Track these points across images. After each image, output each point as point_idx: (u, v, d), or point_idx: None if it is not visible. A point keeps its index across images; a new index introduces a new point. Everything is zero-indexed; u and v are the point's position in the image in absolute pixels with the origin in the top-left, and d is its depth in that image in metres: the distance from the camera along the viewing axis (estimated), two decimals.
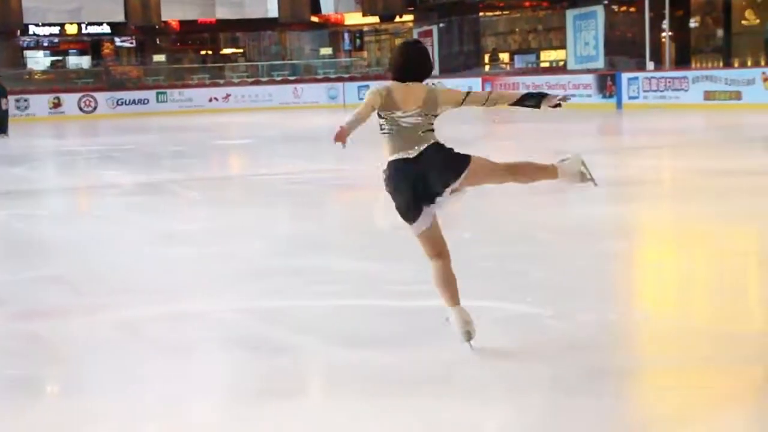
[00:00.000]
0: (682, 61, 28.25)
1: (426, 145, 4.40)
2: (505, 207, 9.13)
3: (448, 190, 4.41)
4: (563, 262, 6.62)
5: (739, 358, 4.39)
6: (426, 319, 4.87)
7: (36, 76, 37.71)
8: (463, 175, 4.41)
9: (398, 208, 4.44)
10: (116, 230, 9.00)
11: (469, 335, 4.45)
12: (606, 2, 29.76)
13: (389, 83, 4.56)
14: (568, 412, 3.75)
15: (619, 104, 25.51)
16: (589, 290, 5.78)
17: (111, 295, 6.13)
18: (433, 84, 4.70)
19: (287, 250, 7.52)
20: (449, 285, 4.51)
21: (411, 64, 4.55)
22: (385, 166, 4.44)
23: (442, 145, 4.46)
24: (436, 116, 4.51)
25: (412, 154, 4.39)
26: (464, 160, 4.44)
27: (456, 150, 4.47)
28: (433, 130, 4.48)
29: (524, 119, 22.89)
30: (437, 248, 4.52)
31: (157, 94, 34.02)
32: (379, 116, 4.46)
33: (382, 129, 4.48)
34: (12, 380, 4.50)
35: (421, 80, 4.55)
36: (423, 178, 4.38)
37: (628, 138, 18.81)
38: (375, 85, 4.64)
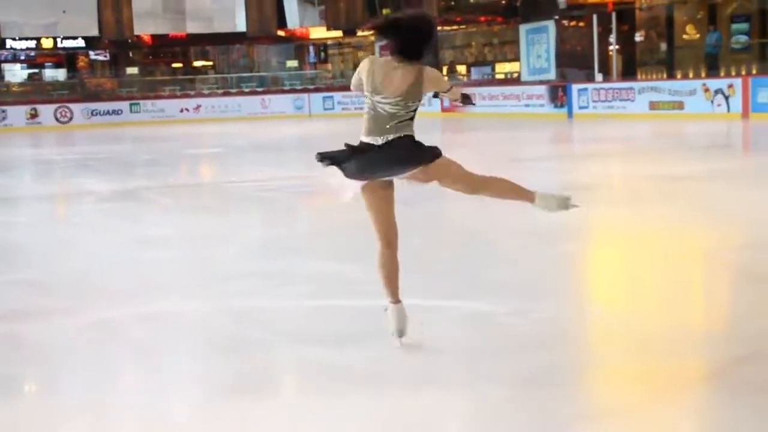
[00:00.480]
0: (629, 73, 28.48)
1: (394, 136, 4.28)
2: (462, 210, 9.15)
3: (400, 177, 4.37)
4: (518, 263, 6.65)
5: (684, 350, 4.44)
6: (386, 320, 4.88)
7: (13, 88, 37.32)
8: (420, 168, 4.30)
9: (337, 159, 4.30)
10: (92, 235, 8.92)
11: (402, 333, 4.44)
12: (557, 18, 29.96)
13: (381, 60, 4.36)
14: (524, 404, 3.76)
15: (570, 114, 25.68)
16: (544, 289, 5.81)
17: (87, 297, 6.07)
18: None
19: (258, 254, 7.50)
20: (392, 277, 4.44)
21: (425, 42, 4.33)
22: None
23: (412, 139, 4.33)
24: (419, 103, 4.35)
25: (379, 141, 4.28)
26: (430, 153, 4.33)
27: (426, 145, 4.36)
28: (411, 120, 4.34)
29: (480, 128, 23.00)
30: (385, 228, 4.41)
31: (131, 105, 33.78)
32: (365, 93, 4.35)
33: (364, 105, 4.37)
34: None
35: (420, 58, 4.34)
36: (381, 166, 4.29)
37: (578, 145, 18.94)
38: (365, 61, 4.41)
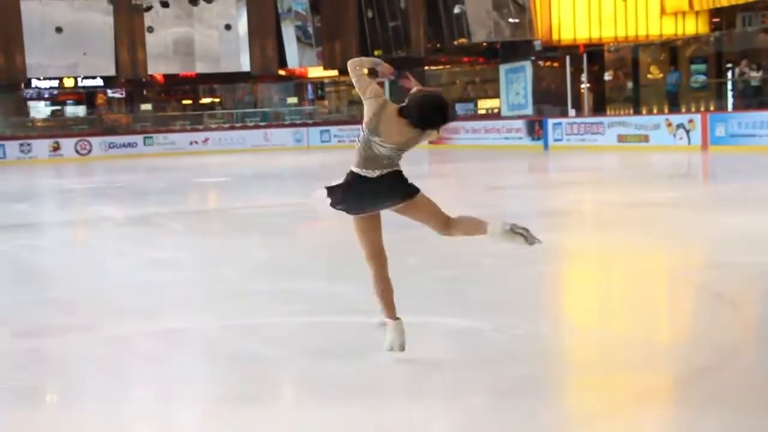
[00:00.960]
0: (599, 109, 28.60)
1: (387, 171, 4.30)
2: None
3: (389, 208, 4.38)
4: (500, 283, 6.64)
5: (652, 362, 4.44)
6: (380, 333, 4.85)
7: (38, 124, 37.27)
8: (404, 204, 4.33)
9: (337, 201, 4.32)
10: (109, 258, 8.88)
11: (402, 347, 4.41)
12: (533, 59, 30.12)
13: (389, 109, 4.30)
14: (505, 413, 3.75)
15: (545, 146, 25.76)
16: (523, 307, 5.80)
17: (104, 315, 6.04)
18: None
19: (261, 274, 7.48)
20: (388, 295, 4.41)
21: (426, 116, 4.27)
22: (349, 171, 4.32)
23: (401, 174, 4.35)
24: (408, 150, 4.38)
25: (372, 175, 4.29)
26: (414, 191, 4.35)
27: (410, 181, 4.38)
28: (400, 158, 4.37)
29: (463, 158, 23.05)
30: (376, 251, 4.39)
31: (145, 138, 33.74)
32: (362, 127, 4.31)
33: (358, 137, 4.33)
34: (14, 391, 4.42)
35: (424, 126, 4.28)
36: (373, 196, 4.30)
37: (554, 175, 18.99)
38: (378, 99, 4.29)
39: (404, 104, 4.32)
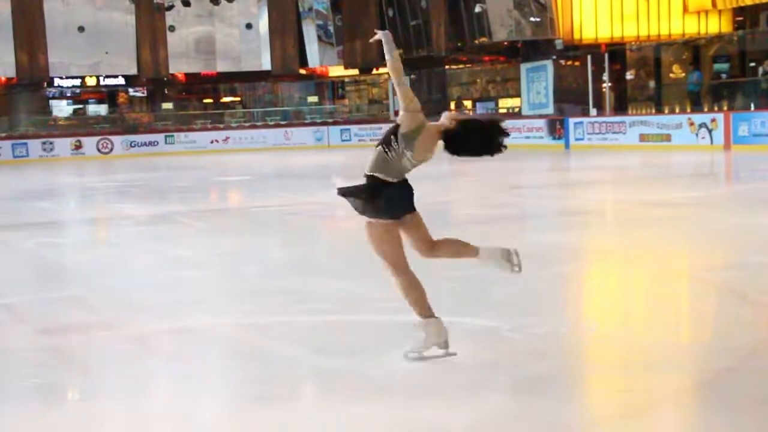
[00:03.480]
0: (620, 108, 28.45)
1: (403, 179, 4.37)
2: (470, 236, 9.13)
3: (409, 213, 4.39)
4: (520, 283, 6.58)
5: (673, 363, 4.41)
6: (402, 332, 4.86)
7: (60, 122, 37.53)
8: (411, 214, 4.38)
9: (385, 211, 4.30)
10: (130, 256, 8.94)
11: (446, 344, 4.41)
12: (554, 57, 30.01)
13: (429, 127, 4.28)
14: (524, 414, 3.74)
15: (566, 145, 25.65)
16: (543, 306, 5.78)
17: (125, 312, 6.07)
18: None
19: (281, 272, 7.49)
20: (422, 295, 4.40)
21: (464, 146, 4.33)
22: (370, 175, 4.30)
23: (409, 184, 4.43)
24: None
25: (395, 180, 4.32)
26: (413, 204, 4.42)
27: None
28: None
29: (482, 158, 22.97)
30: (398, 258, 4.35)
31: (166, 137, 33.88)
32: (395, 137, 4.26)
33: (389, 147, 4.27)
34: (36, 387, 4.46)
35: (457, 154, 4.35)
36: (405, 197, 4.35)
37: (574, 174, 18.91)
38: (421, 114, 4.26)
39: (454, 132, 4.28)
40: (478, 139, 4.32)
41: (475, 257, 4.48)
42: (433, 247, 4.46)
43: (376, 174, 4.31)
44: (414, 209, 4.40)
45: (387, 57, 4.29)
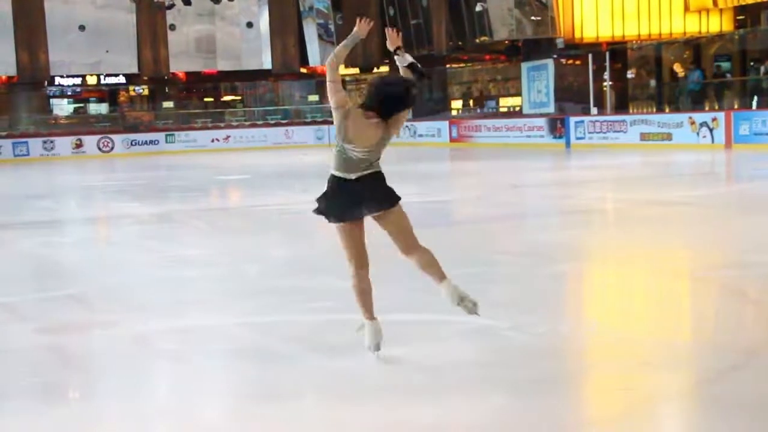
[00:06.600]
0: (621, 106, 28.43)
1: (366, 173, 4.34)
2: (469, 234, 9.15)
3: (369, 215, 4.39)
4: (520, 281, 6.62)
5: (674, 362, 4.41)
6: (400, 331, 4.86)
7: (61, 121, 37.56)
8: (383, 211, 4.36)
9: (321, 210, 4.40)
10: (131, 255, 8.94)
11: (378, 347, 4.46)
12: (555, 56, 29.99)
13: (354, 114, 4.33)
14: (524, 412, 3.74)
15: (567, 144, 25.64)
16: (543, 305, 5.78)
17: (125, 311, 6.08)
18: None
19: (281, 272, 7.49)
20: (367, 296, 4.47)
21: (387, 103, 4.31)
22: (331, 173, 4.38)
23: (380, 175, 4.39)
24: (385, 147, 4.41)
25: (351, 176, 4.33)
26: (393, 198, 4.38)
27: (390, 186, 4.41)
28: (378, 159, 4.40)
29: (485, 156, 22.98)
30: (359, 253, 4.42)
31: (166, 135, 33.90)
32: (337, 131, 4.34)
33: (336, 142, 4.37)
34: (36, 386, 4.46)
35: (391, 115, 4.32)
36: (357, 200, 4.33)
37: (575, 173, 18.90)
38: (341, 109, 4.34)
39: (363, 101, 4.34)
40: (396, 99, 4.31)
41: (437, 283, 4.45)
42: (409, 250, 4.44)
43: (331, 170, 4.40)
44: (362, 213, 4.37)
45: (340, 46, 4.46)
